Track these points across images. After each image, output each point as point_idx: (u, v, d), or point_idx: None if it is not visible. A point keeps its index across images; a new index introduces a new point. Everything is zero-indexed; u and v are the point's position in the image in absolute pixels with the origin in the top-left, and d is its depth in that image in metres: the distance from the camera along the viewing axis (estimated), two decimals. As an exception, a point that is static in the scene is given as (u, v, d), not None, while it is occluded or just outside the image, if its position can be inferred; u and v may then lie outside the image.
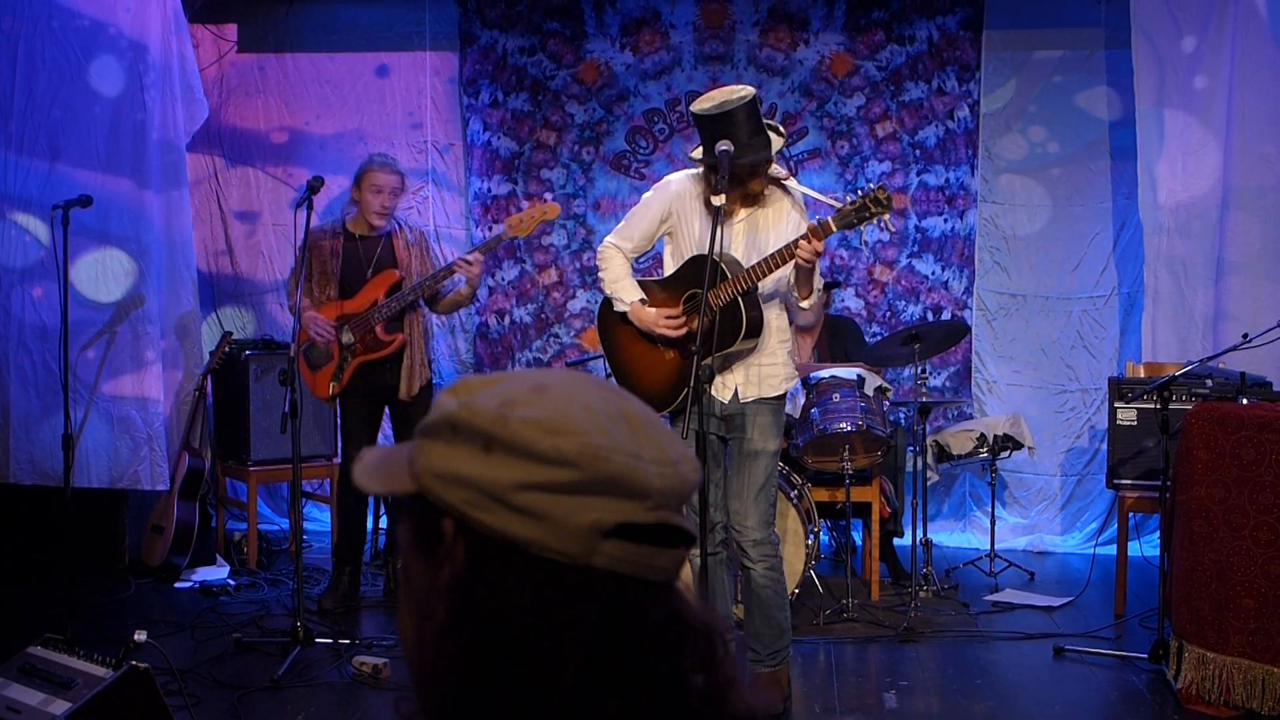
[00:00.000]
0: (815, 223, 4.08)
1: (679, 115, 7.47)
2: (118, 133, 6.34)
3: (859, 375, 5.66)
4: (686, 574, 3.94)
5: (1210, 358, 5.23)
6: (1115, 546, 5.96)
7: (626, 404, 1.06)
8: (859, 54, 7.34)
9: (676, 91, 7.48)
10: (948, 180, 7.30)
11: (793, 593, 5.36)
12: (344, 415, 5.92)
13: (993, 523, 6.55)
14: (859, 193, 4.08)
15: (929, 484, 6.40)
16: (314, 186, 5.31)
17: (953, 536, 7.34)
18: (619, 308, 4.44)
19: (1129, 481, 5.74)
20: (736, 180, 4.08)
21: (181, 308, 6.64)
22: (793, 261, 4.10)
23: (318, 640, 5.05)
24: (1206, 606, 4.38)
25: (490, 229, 7.55)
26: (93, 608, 5.77)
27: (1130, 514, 5.93)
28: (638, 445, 1.02)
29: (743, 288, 4.14)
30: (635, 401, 1.08)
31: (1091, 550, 6.50)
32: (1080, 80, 7.19)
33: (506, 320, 7.71)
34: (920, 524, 6.06)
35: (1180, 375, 4.99)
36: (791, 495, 5.57)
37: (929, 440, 6.37)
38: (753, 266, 4.13)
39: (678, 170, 4.57)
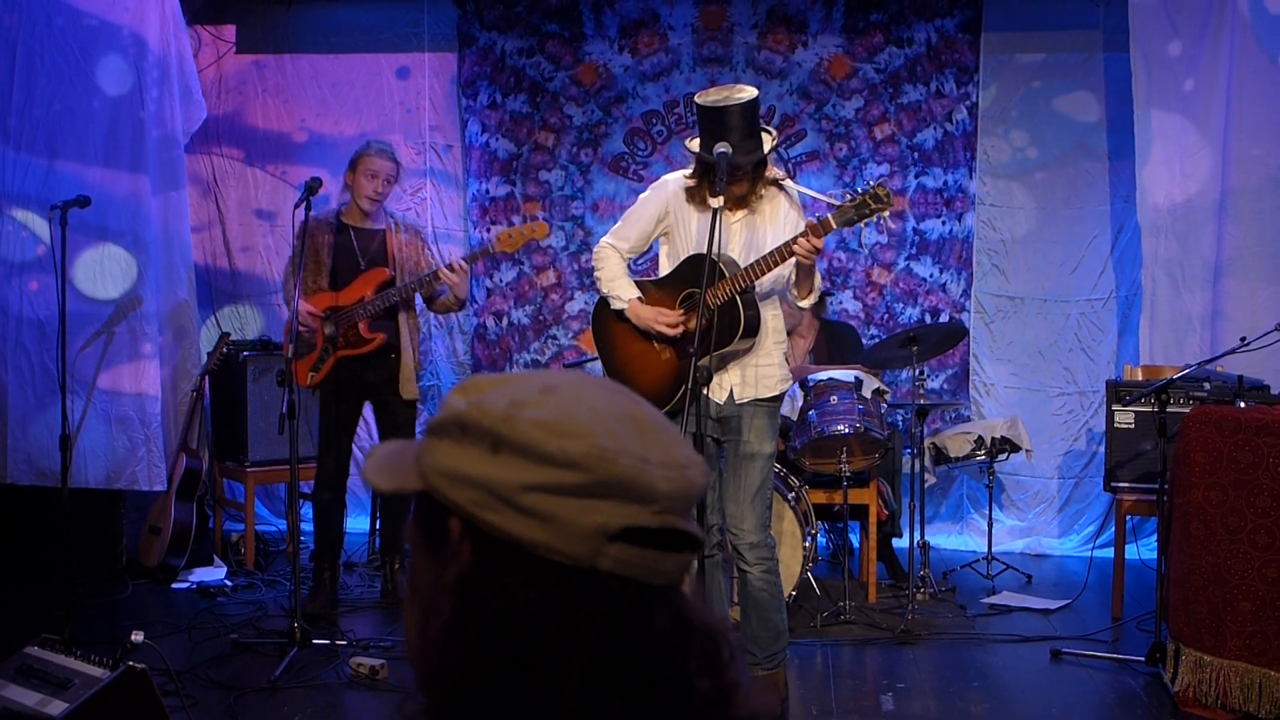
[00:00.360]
0: (815, 220, 4.08)
1: (677, 117, 7.47)
2: (117, 129, 6.34)
3: (857, 377, 5.66)
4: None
5: (1208, 361, 5.24)
6: (1112, 549, 5.96)
7: (636, 407, 1.06)
8: (857, 56, 7.35)
9: (675, 93, 7.48)
10: (946, 183, 7.31)
11: (790, 595, 5.36)
12: (321, 411, 5.88)
13: (990, 525, 6.55)
14: (859, 191, 4.09)
15: (926, 486, 6.40)
16: (312, 187, 5.30)
17: (950, 539, 7.35)
18: (616, 306, 4.44)
19: (1126, 484, 5.74)
20: (727, 180, 4.08)
21: (179, 300, 6.63)
22: (791, 260, 4.10)
23: (315, 641, 5.05)
24: (1204, 610, 4.38)
25: (489, 230, 7.55)
26: (90, 608, 5.76)
27: (1128, 517, 5.94)
28: (645, 449, 1.02)
29: (740, 287, 4.14)
30: (644, 405, 1.08)
31: (1089, 553, 6.51)
32: (1079, 83, 7.20)
33: (505, 322, 7.71)
34: (918, 526, 6.07)
35: (1178, 378, 4.99)
36: (789, 497, 5.56)
37: (926, 442, 6.37)
38: (750, 265, 4.13)
39: (675, 172, 4.57)
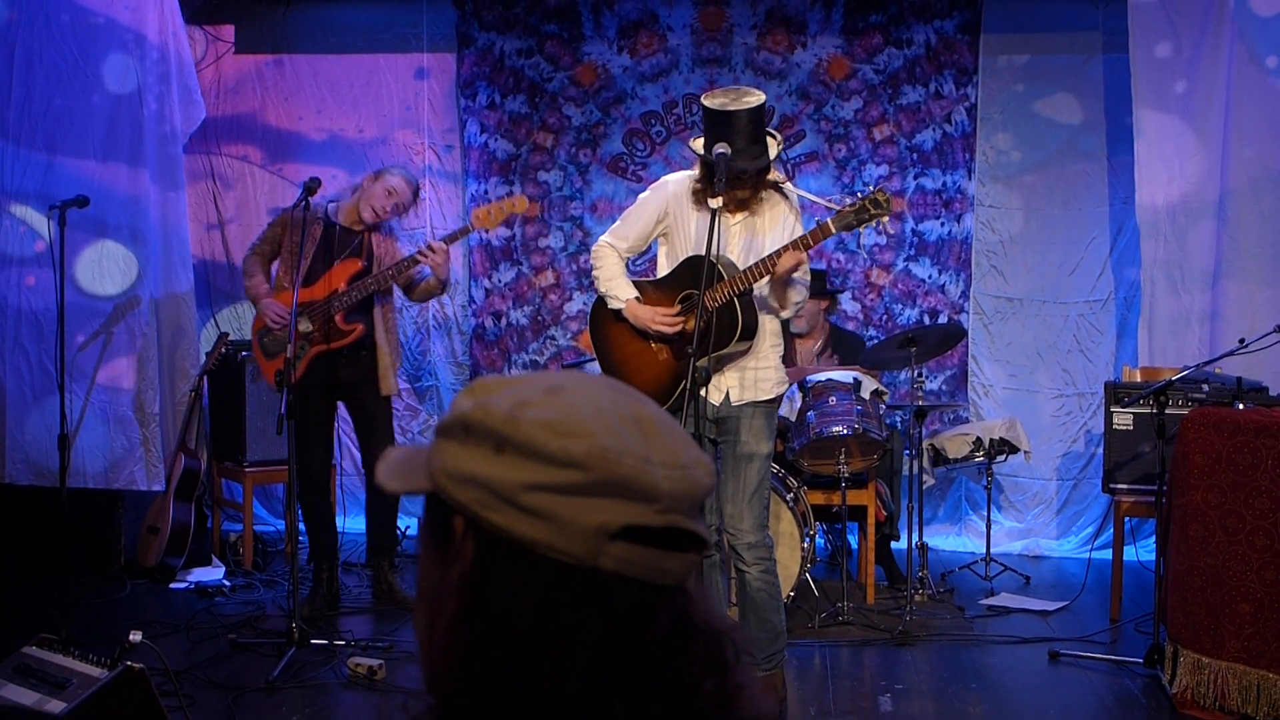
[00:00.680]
0: (815, 224, 4.10)
1: (676, 118, 7.47)
2: (117, 125, 6.33)
3: (855, 378, 5.66)
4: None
5: (1207, 362, 5.24)
6: (1111, 551, 5.96)
7: (640, 407, 1.06)
8: (856, 57, 7.35)
9: (674, 94, 7.48)
10: (945, 184, 7.31)
11: (788, 596, 5.36)
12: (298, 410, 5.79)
13: (988, 526, 6.55)
14: (858, 195, 4.09)
15: (925, 487, 6.41)
16: (311, 188, 5.29)
17: (948, 540, 7.35)
18: (614, 305, 4.43)
19: (1125, 486, 5.74)
20: (728, 183, 4.09)
21: (178, 300, 6.63)
22: (804, 256, 4.13)
23: (313, 641, 5.05)
24: (1202, 611, 4.39)
25: (487, 230, 7.55)
26: (88, 608, 5.76)
27: (1126, 518, 5.94)
28: (648, 448, 1.02)
29: (739, 289, 4.14)
30: (650, 405, 1.08)
31: (1087, 555, 6.51)
32: (1078, 85, 7.20)
33: (503, 322, 7.71)
34: (916, 527, 6.07)
35: (1176, 380, 4.99)
36: (787, 498, 5.56)
37: (925, 444, 6.37)
38: (750, 268, 4.14)
39: (674, 172, 4.57)
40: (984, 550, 6.55)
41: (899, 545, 6.43)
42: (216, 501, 6.93)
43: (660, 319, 4.31)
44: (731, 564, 4.44)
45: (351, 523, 7.25)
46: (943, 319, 7.29)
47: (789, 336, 6.35)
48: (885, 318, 7.39)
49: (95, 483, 6.31)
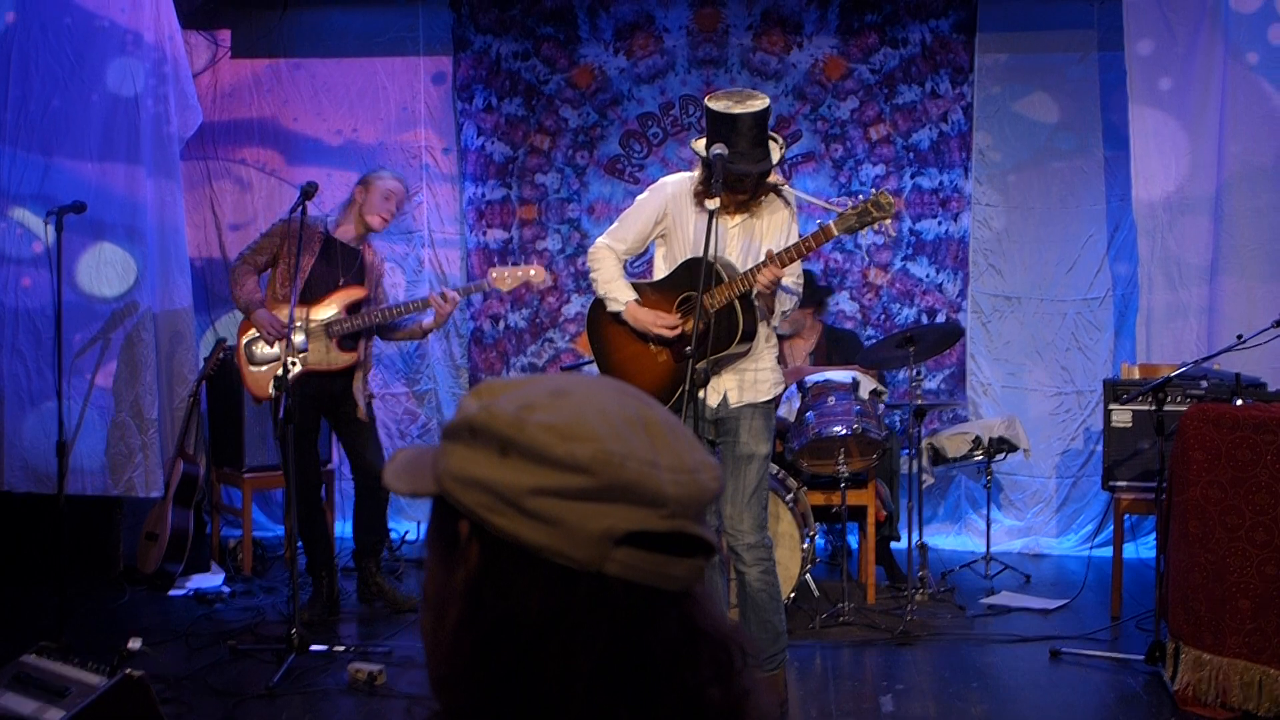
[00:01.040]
0: (817, 227, 4.10)
1: (673, 119, 7.47)
2: (114, 127, 6.34)
3: (854, 378, 5.66)
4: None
5: (1205, 359, 5.23)
6: (1111, 548, 5.96)
7: (647, 410, 1.06)
8: (852, 57, 7.35)
9: (670, 95, 7.48)
10: (941, 183, 7.31)
11: (788, 596, 5.36)
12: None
13: (988, 525, 6.55)
14: (860, 197, 4.09)
15: (924, 487, 6.40)
16: (308, 192, 5.28)
17: (948, 539, 7.34)
18: (613, 308, 4.42)
19: (1124, 483, 5.74)
20: (727, 185, 4.08)
21: (175, 302, 6.63)
22: (795, 265, 4.12)
23: (313, 647, 5.04)
24: (1203, 608, 4.38)
25: (485, 233, 7.57)
26: (87, 615, 5.75)
27: (1126, 516, 5.93)
28: (654, 452, 1.02)
29: (739, 291, 4.14)
30: (658, 408, 1.07)
31: (1087, 552, 6.50)
32: (1074, 82, 7.20)
33: (501, 325, 7.70)
34: (916, 527, 6.06)
35: (1175, 376, 4.99)
36: (787, 499, 5.56)
37: (924, 443, 6.37)
38: (750, 270, 4.13)
39: (672, 174, 4.56)
40: (984, 549, 6.55)
41: (899, 545, 6.43)
42: (215, 507, 6.93)
43: (660, 323, 4.30)
44: (731, 565, 4.43)
45: (349, 528, 7.24)
46: (941, 318, 7.29)
47: (779, 338, 6.36)
48: (883, 317, 7.39)
49: (93, 489, 6.31)
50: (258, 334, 5.69)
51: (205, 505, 6.80)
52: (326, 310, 5.69)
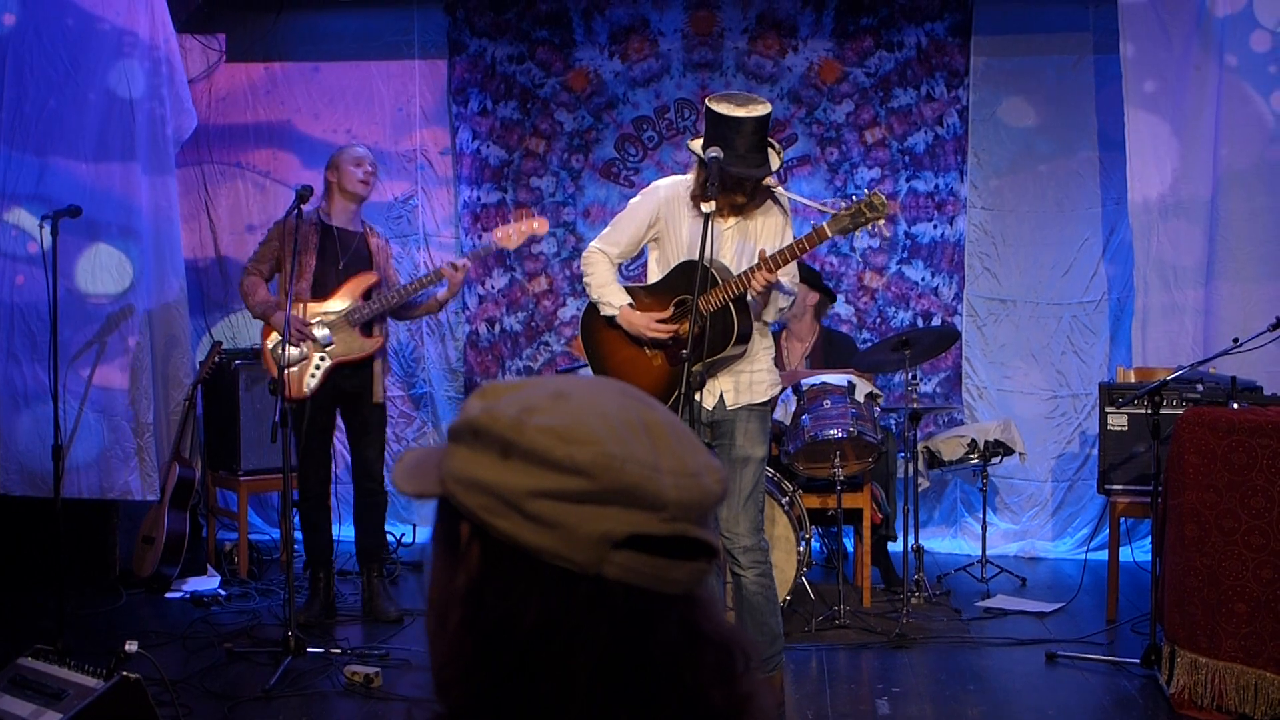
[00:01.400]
0: (810, 229, 4.10)
1: (668, 123, 7.48)
2: (109, 126, 6.32)
3: (849, 381, 5.66)
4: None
5: (1201, 362, 5.24)
6: (1107, 552, 5.97)
7: (650, 412, 1.06)
8: (848, 60, 7.36)
9: (665, 99, 7.49)
10: (937, 186, 7.32)
11: (784, 599, 5.36)
12: (304, 420, 5.77)
13: (984, 529, 6.55)
14: (853, 198, 4.09)
15: (920, 490, 6.41)
16: (303, 196, 5.28)
17: (944, 543, 7.35)
18: (607, 312, 4.42)
19: (1120, 487, 5.75)
20: (724, 187, 4.09)
21: (170, 309, 6.60)
22: (790, 267, 4.12)
23: (309, 650, 5.03)
24: (1199, 611, 4.39)
25: (480, 237, 7.56)
26: (83, 619, 5.74)
27: (1122, 519, 5.94)
28: (655, 455, 1.02)
29: (734, 293, 4.14)
30: (660, 410, 1.07)
31: (1083, 556, 6.51)
32: (1069, 86, 7.21)
33: (497, 328, 7.70)
34: (912, 530, 6.06)
35: (1171, 380, 5.00)
36: (783, 502, 5.56)
37: (920, 446, 6.37)
38: (744, 272, 4.13)
39: (666, 177, 4.57)
40: (980, 552, 6.55)
41: (895, 548, 6.43)
42: (211, 510, 6.92)
43: (655, 325, 4.31)
44: (727, 568, 4.43)
45: (346, 530, 7.23)
46: (936, 321, 7.30)
47: (780, 340, 6.36)
48: (879, 320, 7.40)
49: (90, 493, 6.29)
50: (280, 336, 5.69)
51: (201, 508, 6.80)
52: (343, 300, 5.71)
